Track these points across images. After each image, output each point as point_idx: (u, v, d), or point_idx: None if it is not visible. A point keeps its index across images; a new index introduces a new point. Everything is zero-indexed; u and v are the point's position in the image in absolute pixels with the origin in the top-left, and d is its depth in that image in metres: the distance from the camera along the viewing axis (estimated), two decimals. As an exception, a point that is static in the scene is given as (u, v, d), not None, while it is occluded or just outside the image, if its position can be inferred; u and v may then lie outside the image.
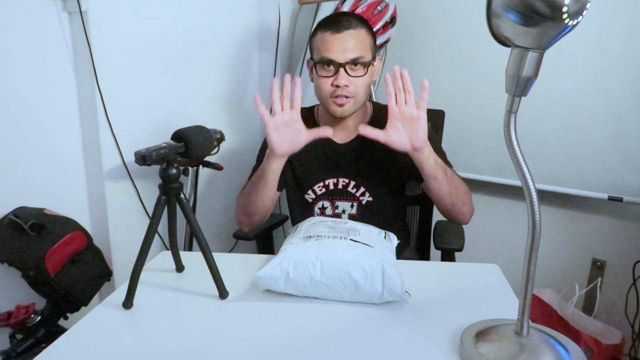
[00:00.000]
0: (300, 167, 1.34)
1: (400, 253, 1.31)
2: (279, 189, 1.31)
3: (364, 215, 1.32)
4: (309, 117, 1.36)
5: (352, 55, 1.19)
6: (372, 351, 0.77)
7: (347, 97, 1.23)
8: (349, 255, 0.92)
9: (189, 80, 1.73)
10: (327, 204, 1.34)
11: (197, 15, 1.72)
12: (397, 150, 1.17)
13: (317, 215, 1.34)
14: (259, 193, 1.25)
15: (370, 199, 1.32)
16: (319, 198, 1.34)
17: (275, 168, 1.20)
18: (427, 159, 1.16)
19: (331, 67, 1.21)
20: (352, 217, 1.33)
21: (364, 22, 1.24)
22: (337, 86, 1.21)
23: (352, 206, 1.33)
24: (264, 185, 1.23)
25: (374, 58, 1.26)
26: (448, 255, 1.30)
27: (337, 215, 1.34)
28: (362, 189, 1.31)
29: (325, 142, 1.32)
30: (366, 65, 1.22)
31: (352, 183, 1.32)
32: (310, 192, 1.34)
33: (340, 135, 1.33)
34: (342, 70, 1.20)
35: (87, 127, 1.47)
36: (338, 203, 1.33)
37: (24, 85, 1.32)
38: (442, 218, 1.49)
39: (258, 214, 1.29)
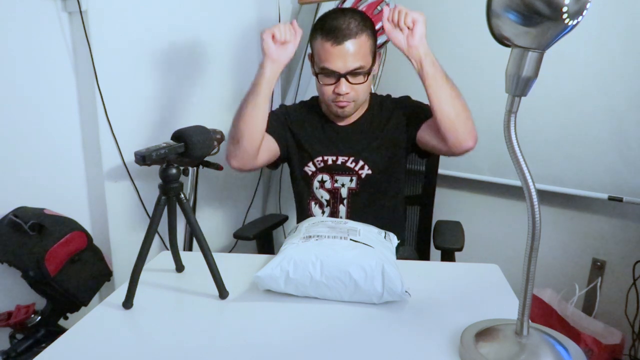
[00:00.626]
0: (302, 139, 1.37)
1: (401, 251, 1.32)
2: (276, 136, 1.33)
3: (364, 188, 1.34)
4: (314, 106, 1.41)
5: (352, 66, 1.22)
6: (372, 351, 0.77)
7: (348, 101, 1.27)
8: (349, 255, 0.92)
9: (189, 80, 1.73)
10: (326, 177, 1.36)
11: (197, 15, 1.72)
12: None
13: (317, 188, 1.37)
14: (249, 107, 1.22)
15: (370, 172, 1.34)
16: (318, 171, 1.36)
17: (268, 76, 1.21)
18: (425, 57, 1.19)
19: (332, 76, 1.23)
20: (351, 191, 1.35)
21: (365, 23, 1.24)
22: (339, 94, 1.24)
23: (351, 180, 1.35)
24: (255, 95, 1.22)
25: (374, 60, 1.27)
26: (448, 255, 1.30)
27: (337, 190, 1.36)
28: (361, 163, 1.34)
29: (327, 122, 1.38)
30: (366, 72, 1.24)
31: (351, 159, 1.34)
32: (310, 164, 1.37)
33: (341, 118, 1.37)
34: (343, 79, 1.23)
35: (87, 127, 1.47)
36: (337, 177, 1.36)
37: (24, 85, 1.32)
38: (442, 218, 1.49)
39: (245, 138, 1.23)
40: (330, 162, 1.35)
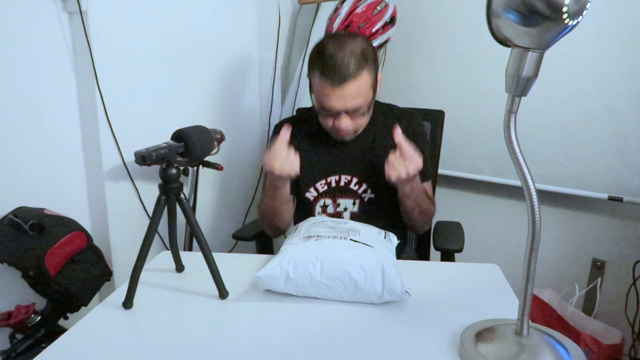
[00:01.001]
0: (304, 163, 1.34)
1: (401, 251, 1.31)
2: (292, 192, 1.34)
3: (366, 212, 1.32)
4: (312, 118, 1.37)
5: (352, 105, 1.19)
6: (372, 351, 0.77)
7: (348, 132, 1.27)
8: (349, 255, 0.92)
9: (189, 80, 1.73)
10: (328, 201, 1.33)
11: (197, 15, 1.72)
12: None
13: (319, 214, 1.34)
14: (277, 210, 1.31)
15: (372, 195, 1.31)
16: (320, 196, 1.34)
17: (283, 190, 1.26)
18: (404, 187, 1.22)
19: (332, 112, 1.22)
20: (353, 215, 1.32)
21: (365, 55, 1.17)
22: (339, 128, 1.24)
23: (354, 203, 1.32)
24: (280, 202, 1.29)
25: (375, 89, 1.25)
26: (448, 256, 1.30)
27: (339, 214, 1.33)
28: (364, 186, 1.31)
29: (329, 141, 1.34)
30: (367, 109, 1.24)
31: (355, 180, 1.32)
32: (312, 189, 1.34)
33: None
34: (343, 114, 1.21)
35: (87, 127, 1.47)
36: (340, 200, 1.33)
37: (24, 85, 1.32)
38: (442, 218, 1.50)
39: (284, 224, 1.36)
40: (333, 183, 1.32)
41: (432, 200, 1.35)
